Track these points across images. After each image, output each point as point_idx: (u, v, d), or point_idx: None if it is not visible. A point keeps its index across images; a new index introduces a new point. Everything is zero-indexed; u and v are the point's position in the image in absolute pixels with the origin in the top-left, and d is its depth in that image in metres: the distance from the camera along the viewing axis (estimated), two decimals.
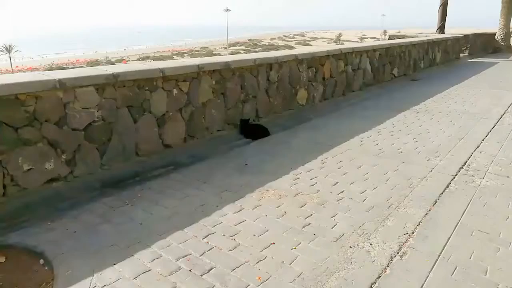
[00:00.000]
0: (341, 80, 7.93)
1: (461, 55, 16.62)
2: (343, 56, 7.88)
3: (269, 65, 6.02)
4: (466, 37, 17.00)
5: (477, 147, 4.98)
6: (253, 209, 3.34)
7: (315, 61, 7.06)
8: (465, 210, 3.36)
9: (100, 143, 3.98)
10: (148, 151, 4.44)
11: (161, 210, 3.31)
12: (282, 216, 3.24)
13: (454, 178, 4.03)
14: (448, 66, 13.78)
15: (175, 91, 4.63)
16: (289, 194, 3.63)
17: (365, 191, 3.73)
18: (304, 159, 4.52)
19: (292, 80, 6.58)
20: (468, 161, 4.49)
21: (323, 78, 7.39)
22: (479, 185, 3.86)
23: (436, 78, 11.04)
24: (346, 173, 4.17)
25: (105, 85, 3.92)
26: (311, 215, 3.26)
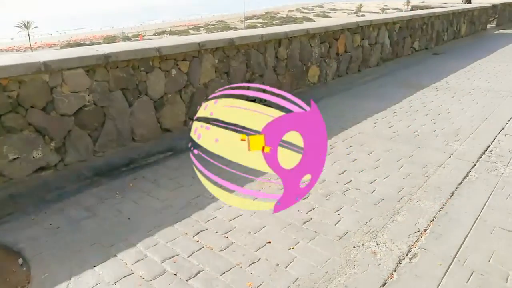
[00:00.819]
0: (356, 55, 7.46)
1: (488, 26, 15.65)
2: (360, 29, 7.39)
3: (278, 41, 5.65)
4: (494, 6, 15.95)
5: (502, 129, 4.56)
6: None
7: (328, 36, 6.62)
8: (486, 203, 3.03)
9: (92, 129, 3.77)
10: (145, 136, 4.21)
11: (152, 202, 3.10)
12: (282, 210, 2.97)
13: (474, 165, 3.67)
14: (473, 38, 12.98)
15: (173, 71, 4.35)
16: None
17: (375, 180, 3.42)
18: None
19: (303, 57, 6.19)
20: (491, 146, 4.11)
21: (337, 54, 6.95)
22: (502, 173, 3.50)
23: (460, 51, 10.38)
24: (355, 159, 3.86)
25: (96, 66, 3.67)
26: (314, 208, 2.99)
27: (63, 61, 3.41)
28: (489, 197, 3.11)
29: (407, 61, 8.92)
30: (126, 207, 3.02)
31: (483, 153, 3.94)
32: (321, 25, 6.42)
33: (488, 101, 5.70)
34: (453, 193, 3.18)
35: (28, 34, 70.34)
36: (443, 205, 3.01)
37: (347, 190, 3.26)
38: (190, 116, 4.67)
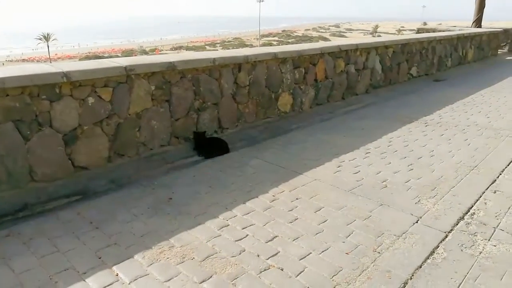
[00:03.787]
0: (340, 81, 6.69)
1: (499, 51, 14.72)
2: (344, 53, 6.63)
3: (237, 65, 4.92)
4: (506, 31, 15.04)
5: (492, 183, 3.70)
6: (129, 283, 2.31)
7: (304, 61, 5.88)
8: None
9: None
10: (50, 176, 3.49)
11: (3, 276, 2.34)
12: None
13: (446, 237, 2.82)
14: (481, 65, 12.05)
15: (90, 100, 3.65)
16: (198, 255, 2.57)
17: (308, 255, 2.60)
18: (250, 193, 3.43)
19: (271, 83, 5.45)
20: (474, 207, 3.25)
21: (315, 80, 6.19)
22: (480, 252, 2.64)
23: (463, 79, 9.50)
24: (295, 219, 3.05)
25: None
26: None
27: None
28: None
29: (401, 88, 8.09)
30: None
31: (461, 217, 3.08)
32: (293, 49, 5.68)
33: (482, 142, 4.83)
34: (406, 283, 2.34)
35: (48, 46, 72.08)
36: None
37: (266, 270, 2.45)
38: (117, 150, 3.95)
